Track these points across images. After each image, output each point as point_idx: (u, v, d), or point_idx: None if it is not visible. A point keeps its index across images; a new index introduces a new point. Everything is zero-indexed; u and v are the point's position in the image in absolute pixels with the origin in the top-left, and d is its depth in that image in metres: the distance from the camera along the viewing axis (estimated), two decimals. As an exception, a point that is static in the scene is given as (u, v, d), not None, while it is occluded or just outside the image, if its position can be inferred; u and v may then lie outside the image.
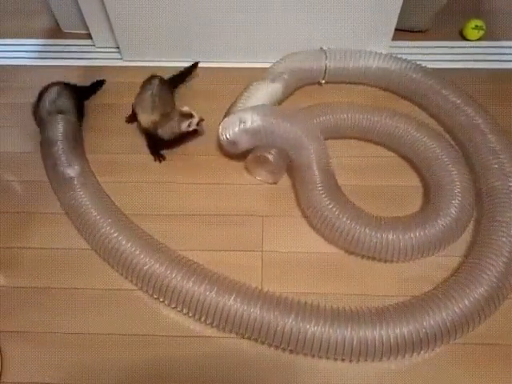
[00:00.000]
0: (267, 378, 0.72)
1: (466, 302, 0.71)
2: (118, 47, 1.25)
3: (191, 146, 1.04)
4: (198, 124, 0.98)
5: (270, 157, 0.91)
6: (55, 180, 0.92)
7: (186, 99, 1.13)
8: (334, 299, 0.78)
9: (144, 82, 1.05)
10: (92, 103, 1.14)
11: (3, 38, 1.36)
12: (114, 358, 0.74)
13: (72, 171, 0.89)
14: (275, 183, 0.98)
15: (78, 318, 0.78)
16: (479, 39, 1.29)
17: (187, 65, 1.19)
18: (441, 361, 0.73)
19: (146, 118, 0.99)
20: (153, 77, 1.05)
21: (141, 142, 1.05)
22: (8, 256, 0.86)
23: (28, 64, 1.27)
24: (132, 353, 0.75)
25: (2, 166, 1.01)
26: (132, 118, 1.08)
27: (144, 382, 0.72)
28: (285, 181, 0.98)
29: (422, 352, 0.72)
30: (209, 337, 0.76)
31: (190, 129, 0.97)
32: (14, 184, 0.99)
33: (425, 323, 0.69)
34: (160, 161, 1.02)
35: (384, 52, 1.23)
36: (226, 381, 0.72)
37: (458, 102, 1.02)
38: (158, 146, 1.02)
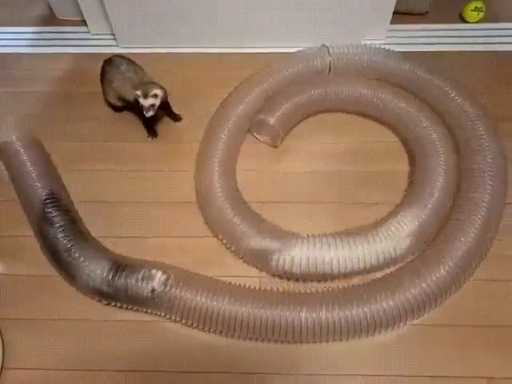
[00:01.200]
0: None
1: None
2: (113, 34, 1.24)
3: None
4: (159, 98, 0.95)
5: (272, 120, 0.94)
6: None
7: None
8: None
9: (107, 64, 1.03)
10: (88, 90, 1.13)
11: (-2, 26, 1.34)
12: (118, 345, 0.74)
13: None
14: (275, 147, 1.00)
15: (81, 305, 0.78)
16: (479, 21, 1.27)
17: (181, 51, 1.19)
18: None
19: (130, 92, 0.97)
20: (113, 56, 1.03)
21: (135, 129, 1.04)
22: (9, 244, 0.86)
23: (23, 52, 1.26)
24: (137, 339, 0.75)
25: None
26: (118, 107, 1.07)
27: (150, 368, 0.72)
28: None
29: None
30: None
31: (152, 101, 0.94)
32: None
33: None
34: (153, 137, 1.03)
35: (383, 36, 1.23)
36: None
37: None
38: (149, 120, 1.00)
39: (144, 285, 0.72)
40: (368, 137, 1.02)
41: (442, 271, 0.73)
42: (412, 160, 0.93)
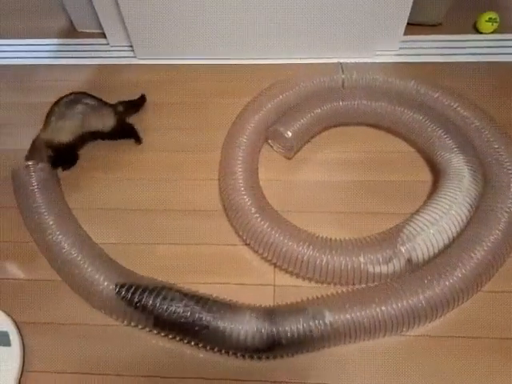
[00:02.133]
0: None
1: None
2: (131, 45, 1.27)
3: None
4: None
5: (288, 133, 0.95)
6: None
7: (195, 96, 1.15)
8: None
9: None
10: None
11: (19, 38, 1.38)
12: (135, 350, 0.75)
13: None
14: (289, 158, 1.01)
15: (95, 309, 0.79)
16: (493, 32, 1.28)
17: (198, 63, 1.20)
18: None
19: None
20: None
21: (149, 140, 1.07)
22: (27, 250, 0.88)
23: (44, 63, 1.30)
24: (154, 344, 0.76)
25: (19, 163, 1.03)
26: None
27: (168, 373, 0.73)
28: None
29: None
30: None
31: None
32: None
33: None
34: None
35: (396, 47, 1.24)
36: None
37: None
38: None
39: (316, 323, 0.69)
40: (381, 147, 1.02)
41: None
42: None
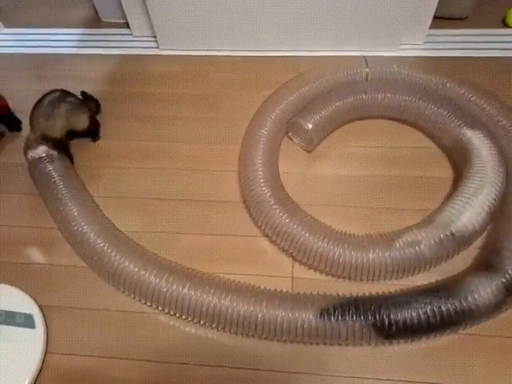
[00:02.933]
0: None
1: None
2: (154, 36, 1.28)
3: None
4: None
5: (308, 126, 0.95)
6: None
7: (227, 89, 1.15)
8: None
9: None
10: (129, 91, 1.17)
11: (45, 27, 1.41)
12: (153, 335, 0.77)
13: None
14: (309, 151, 1.01)
15: (118, 295, 0.81)
16: (522, 27, 1.25)
17: (219, 54, 1.21)
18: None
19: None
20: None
21: (170, 131, 1.08)
22: (48, 236, 0.90)
23: (69, 52, 1.32)
24: (172, 331, 0.77)
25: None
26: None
27: (186, 360, 0.74)
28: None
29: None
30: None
31: None
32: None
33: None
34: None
35: (421, 40, 1.21)
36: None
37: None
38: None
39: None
40: (402, 142, 1.01)
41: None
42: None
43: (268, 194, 0.84)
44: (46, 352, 0.74)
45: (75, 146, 1.03)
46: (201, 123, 1.08)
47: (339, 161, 0.99)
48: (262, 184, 0.86)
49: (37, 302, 0.80)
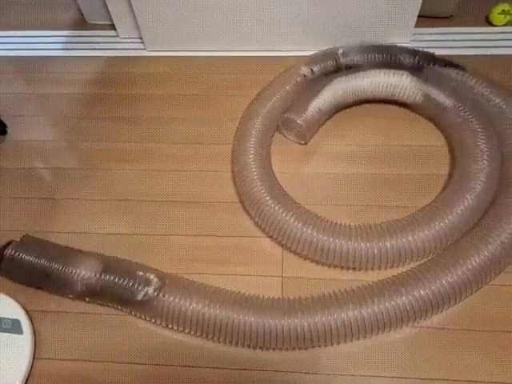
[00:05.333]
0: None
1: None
2: (141, 37, 1.27)
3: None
4: None
5: (300, 120, 0.96)
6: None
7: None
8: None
9: None
10: (116, 93, 1.16)
11: (29, 29, 1.39)
12: (146, 338, 0.76)
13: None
14: (305, 143, 1.01)
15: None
16: (506, 24, 1.26)
17: (207, 55, 1.21)
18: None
19: None
20: None
21: (161, 132, 1.07)
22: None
23: (55, 55, 1.30)
24: (165, 333, 0.76)
25: (32, 154, 1.04)
26: None
27: (180, 362, 0.73)
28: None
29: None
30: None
31: None
32: (41, 171, 1.02)
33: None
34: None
35: (407, 39, 1.23)
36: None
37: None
38: None
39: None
40: (395, 140, 1.01)
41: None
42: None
43: (262, 191, 0.85)
44: (35, 358, 0.73)
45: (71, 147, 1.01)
46: (190, 124, 1.08)
47: (331, 159, 0.99)
48: (257, 182, 0.86)
49: (24, 307, 0.79)
